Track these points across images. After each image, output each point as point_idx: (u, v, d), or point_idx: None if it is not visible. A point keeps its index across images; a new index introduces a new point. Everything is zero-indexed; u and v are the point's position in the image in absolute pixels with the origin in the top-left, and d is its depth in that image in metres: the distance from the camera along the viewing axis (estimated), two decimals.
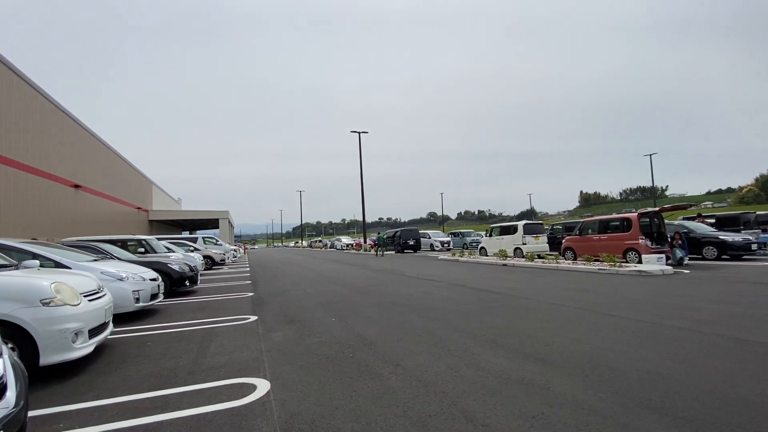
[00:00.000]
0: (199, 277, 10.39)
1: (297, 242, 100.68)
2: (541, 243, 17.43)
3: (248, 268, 18.10)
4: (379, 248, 27.03)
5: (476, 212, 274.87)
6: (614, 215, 14.25)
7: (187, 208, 57.79)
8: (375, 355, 3.99)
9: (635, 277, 9.62)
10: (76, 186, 21.10)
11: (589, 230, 14.36)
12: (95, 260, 6.85)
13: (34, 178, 16.58)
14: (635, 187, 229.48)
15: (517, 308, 6.17)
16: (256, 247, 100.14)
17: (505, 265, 14.55)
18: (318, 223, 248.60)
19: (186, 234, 44.20)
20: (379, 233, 30.95)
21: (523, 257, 16.58)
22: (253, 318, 6.19)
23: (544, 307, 6.17)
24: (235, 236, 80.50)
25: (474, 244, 32.86)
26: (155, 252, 12.32)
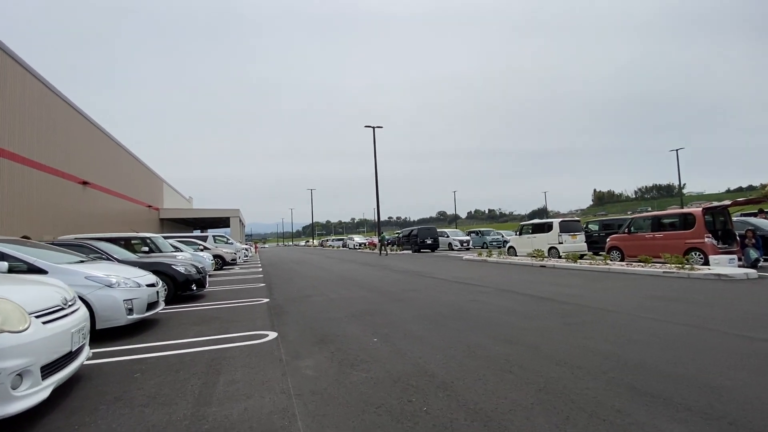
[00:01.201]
0: (207, 280, 9.21)
1: (308, 241, 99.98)
2: (578, 242, 15.92)
3: (261, 269, 16.95)
4: (383, 248, 27.48)
5: (486, 211, 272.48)
6: (672, 210, 12.69)
7: (198, 207, 57.28)
8: (461, 407, 2.67)
9: (717, 282, 8.13)
10: (84, 183, 20.27)
11: (641, 228, 12.84)
12: (82, 262, 5.67)
13: (39, 174, 15.70)
14: (651, 185, 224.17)
15: (612, 325, 4.79)
16: (266, 246, 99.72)
17: (543, 266, 13.11)
18: (328, 222, 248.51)
19: (197, 233, 43.58)
20: (382, 233, 31.03)
21: (560, 257, 15.12)
22: (272, 335, 4.93)
23: (648, 325, 4.77)
24: (245, 235, 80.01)
25: (494, 243, 31.36)
26: (160, 251, 11.21)
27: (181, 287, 8.06)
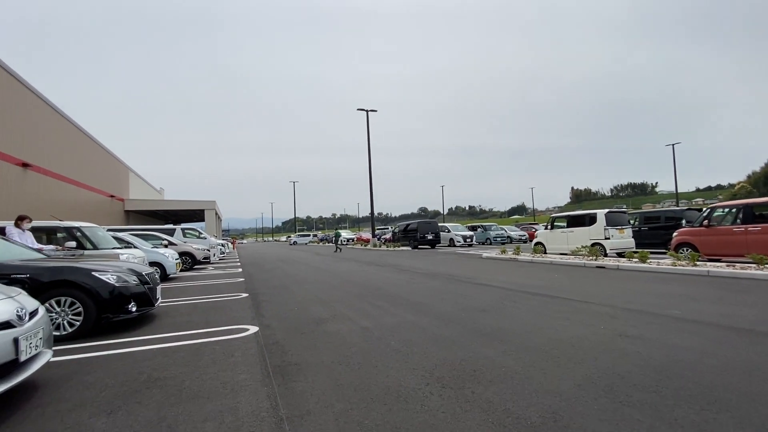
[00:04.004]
0: (159, 293, 5.96)
1: (289, 236, 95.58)
2: (626, 237, 13.38)
3: (240, 270, 13.64)
4: (338, 245, 27.44)
5: (467, 207, 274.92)
6: None
7: (171, 198, 52.58)
8: None
9: None
10: (25, 165, 16.36)
11: (724, 220, 10.32)
12: None
13: None
14: (626, 183, 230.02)
15: None
16: (245, 241, 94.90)
17: (602, 267, 10.42)
18: (308, 217, 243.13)
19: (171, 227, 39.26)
20: (337, 229, 32.55)
21: (605, 255, 12.50)
22: None
23: None
24: (223, 230, 75.21)
25: (498, 238, 28.86)
26: (96, 247, 7.84)
27: (110, 307, 4.82)
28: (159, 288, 5.95)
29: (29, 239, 6.65)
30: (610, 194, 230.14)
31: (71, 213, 19.66)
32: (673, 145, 46.67)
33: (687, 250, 10.72)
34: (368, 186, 30.72)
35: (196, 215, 48.01)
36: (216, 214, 46.50)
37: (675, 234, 11.38)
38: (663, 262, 9.84)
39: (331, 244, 44.18)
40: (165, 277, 10.90)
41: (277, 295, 7.63)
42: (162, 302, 6.74)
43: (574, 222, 14.27)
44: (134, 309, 5.07)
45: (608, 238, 12.96)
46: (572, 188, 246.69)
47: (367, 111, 30.33)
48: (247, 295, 7.72)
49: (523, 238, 29.81)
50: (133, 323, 5.26)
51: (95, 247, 7.78)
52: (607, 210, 13.72)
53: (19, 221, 6.70)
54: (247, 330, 4.77)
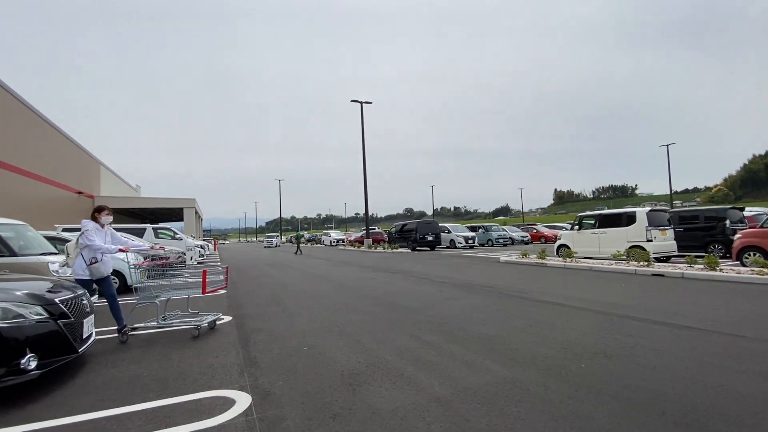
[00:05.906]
0: (89, 326, 3.82)
1: (269, 238, 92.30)
2: (668, 239, 11.76)
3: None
4: (298, 246, 26.57)
5: (452, 208, 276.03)
6: None
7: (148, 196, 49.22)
8: None
9: None
10: None
11: None
12: None
13: None
14: (607, 185, 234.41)
15: None
16: (227, 242, 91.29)
17: (661, 275, 8.70)
18: (293, 217, 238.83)
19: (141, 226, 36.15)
20: (297, 231, 33.01)
21: (647, 261, 10.80)
22: None
23: None
24: (204, 230, 71.70)
25: (501, 240, 27.26)
26: (15, 254, 5.62)
27: None
28: (90, 319, 3.82)
29: (108, 236, 4.87)
30: (592, 196, 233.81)
31: (31, 211, 16.98)
32: (667, 145, 46.33)
33: (756, 255, 9.11)
34: (355, 186, 28.70)
35: (175, 214, 44.94)
36: (196, 213, 43.57)
37: (737, 236, 9.78)
38: (740, 270, 8.16)
39: (318, 245, 41.93)
40: (126, 288, 8.67)
41: (273, 318, 5.55)
42: (101, 334, 4.60)
43: (607, 222, 12.56)
44: (33, 364, 2.93)
45: (650, 240, 11.29)
46: (555, 190, 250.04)
47: (361, 102, 28.28)
48: (230, 318, 5.64)
49: (525, 239, 28.39)
50: (34, 388, 3.12)
51: (13, 254, 5.55)
52: (648, 208, 12.06)
53: (97, 213, 4.91)
54: (233, 404, 2.71)
